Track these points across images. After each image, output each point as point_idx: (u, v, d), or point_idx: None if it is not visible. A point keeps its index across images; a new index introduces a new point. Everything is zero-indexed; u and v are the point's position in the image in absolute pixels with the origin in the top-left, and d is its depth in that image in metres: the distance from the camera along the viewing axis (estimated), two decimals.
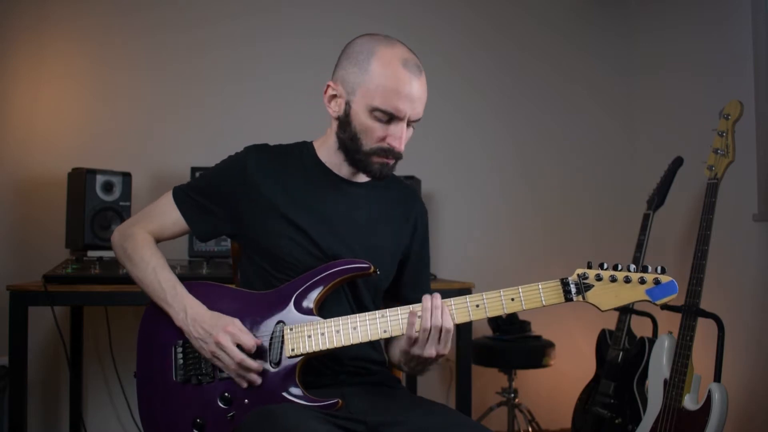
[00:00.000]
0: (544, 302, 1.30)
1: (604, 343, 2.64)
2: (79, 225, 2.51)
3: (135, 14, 3.01)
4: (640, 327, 2.59)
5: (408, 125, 1.40)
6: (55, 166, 2.84)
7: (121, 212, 2.56)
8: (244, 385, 1.34)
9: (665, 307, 2.31)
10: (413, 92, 1.36)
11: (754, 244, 2.63)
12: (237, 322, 1.36)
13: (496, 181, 3.35)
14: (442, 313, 1.29)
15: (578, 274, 1.29)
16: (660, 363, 2.23)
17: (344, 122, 1.41)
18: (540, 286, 1.30)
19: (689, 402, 2.11)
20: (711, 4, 2.96)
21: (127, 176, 2.60)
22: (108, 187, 2.56)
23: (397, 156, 1.41)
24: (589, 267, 1.30)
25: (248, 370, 1.33)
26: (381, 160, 1.40)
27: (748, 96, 2.62)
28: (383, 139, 1.38)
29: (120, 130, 2.97)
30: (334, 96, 1.42)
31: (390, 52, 1.37)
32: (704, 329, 2.22)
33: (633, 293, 1.28)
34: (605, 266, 1.30)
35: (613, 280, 1.28)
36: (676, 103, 3.16)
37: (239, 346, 1.33)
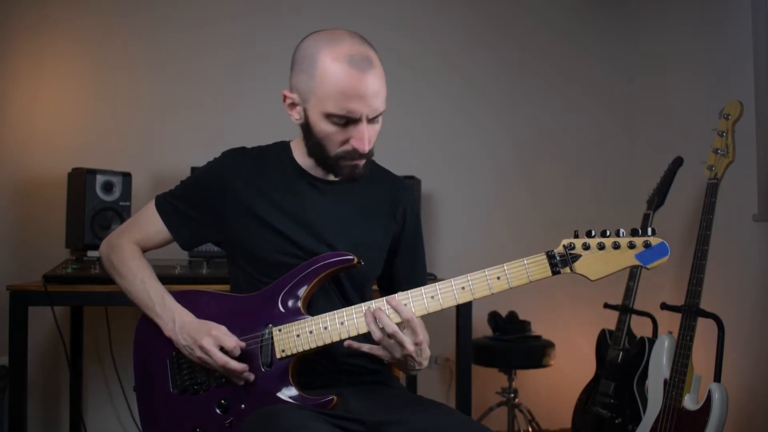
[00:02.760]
0: (530, 278, 1.25)
1: (604, 343, 2.64)
2: (79, 225, 2.51)
3: (135, 14, 3.01)
4: (640, 327, 2.59)
5: (370, 122, 1.35)
6: (55, 166, 2.84)
7: (121, 212, 2.56)
8: (240, 382, 1.35)
9: (665, 306, 2.32)
10: (365, 90, 1.30)
11: (754, 244, 2.63)
12: (222, 327, 1.36)
13: (496, 181, 3.35)
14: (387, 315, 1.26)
15: (564, 245, 1.24)
16: (660, 363, 2.23)
17: (306, 129, 1.39)
18: (525, 262, 1.25)
19: (689, 402, 2.11)
20: (711, 4, 2.96)
21: (127, 176, 2.60)
22: (108, 187, 2.56)
23: (365, 156, 1.37)
24: (576, 236, 1.24)
25: (233, 373, 1.33)
26: (349, 163, 1.37)
27: (748, 96, 2.62)
28: (346, 141, 1.35)
29: (120, 130, 2.97)
30: (293, 104, 1.39)
31: (333, 51, 1.31)
32: (704, 329, 2.22)
33: (623, 259, 1.22)
34: (592, 233, 1.24)
35: (601, 247, 1.22)
36: (676, 103, 3.16)
37: (223, 350, 1.34)
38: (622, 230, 1.23)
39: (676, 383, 2.14)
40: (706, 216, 2.21)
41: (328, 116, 1.32)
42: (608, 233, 1.23)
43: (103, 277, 2.26)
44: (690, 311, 2.17)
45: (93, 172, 2.54)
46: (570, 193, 3.40)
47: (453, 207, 3.28)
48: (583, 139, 3.43)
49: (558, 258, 1.24)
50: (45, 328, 2.77)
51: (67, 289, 2.22)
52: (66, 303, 2.52)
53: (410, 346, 1.26)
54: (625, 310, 2.57)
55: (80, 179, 2.53)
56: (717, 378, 2.10)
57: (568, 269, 1.24)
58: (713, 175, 2.24)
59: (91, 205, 2.51)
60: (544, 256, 1.25)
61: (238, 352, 1.34)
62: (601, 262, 1.23)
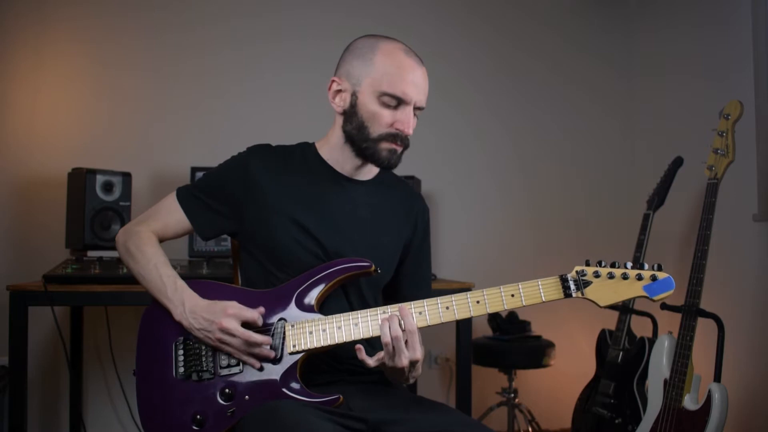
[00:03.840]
0: (543, 298, 1.31)
1: (604, 343, 2.64)
2: (79, 225, 2.51)
3: (135, 15, 3.01)
4: (640, 327, 2.59)
5: (413, 114, 1.43)
6: (55, 166, 2.84)
7: (121, 212, 2.56)
8: (257, 365, 1.35)
9: (665, 306, 2.32)
10: (417, 78, 1.42)
11: (754, 244, 2.63)
12: (234, 303, 1.37)
13: (495, 181, 3.35)
14: (399, 322, 1.29)
15: (577, 271, 1.32)
16: (660, 363, 2.24)
17: (350, 113, 1.45)
18: (539, 283, 1.31)
19: (689, 402, 2.11)
20: (711, 4, 2.96)
21: (127, 176, 2.60)
22: (108, 187, 2.56)
23: (405, 142, 1.44)
24: (587, 264, 1.32)
25: (257, 344, 1.34)
26: (390, 146, 1.43)
27: (748, 96, 2.62)
28: (391, 124, 1.42)
29: (120, 130, 2.97)
30: (339, 91, 1.46)
31: (391, 44, 1.44)
32: (704, 329, 2.22)
33: (631, 289, 1.30)
34: (603, 264, 1.32)
35: (611, 276, 1.31)
36: (676, 103, 3.16)
37: (245, 325, 1.35)
38: (629, 263, 1.32)
39: (676, 383, 2.14)
40: (706, 216, 2.21)
41: (382, 96, 1.40)
42: (617, 264, 1.32)
43: (103, 277, 2.26)
44: (690, 311, 2.17)
45: (93, 172, 2.54)
46: (569, 193, 3.40)
47: (453, 207, 3.28)
48: (582, 139, 3.43)
49: (571, 282, 1.31)
50: (45, 328, 2.77)
51: (67, 289, 2.22)
52: (66, 303, 2.52)
53: (405, 360, 1.28)
54: (625, 310, 2.57)
55: (80, 179, 2.53)
56: (717, 378, 2.10)
57: (579, 293, 1.31)
58: (713, 175, 2.24)
59: (91, 205, 2.51)
60: (558, 279, 1.32)
61: (260, 321, 1.36)
62: (610, 290, 1.31)
